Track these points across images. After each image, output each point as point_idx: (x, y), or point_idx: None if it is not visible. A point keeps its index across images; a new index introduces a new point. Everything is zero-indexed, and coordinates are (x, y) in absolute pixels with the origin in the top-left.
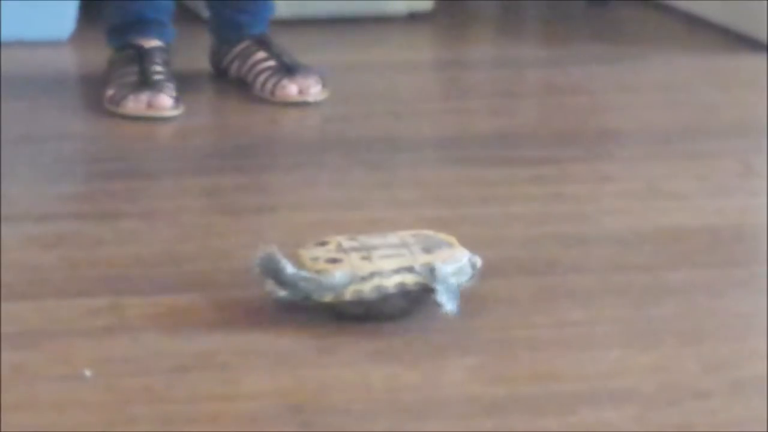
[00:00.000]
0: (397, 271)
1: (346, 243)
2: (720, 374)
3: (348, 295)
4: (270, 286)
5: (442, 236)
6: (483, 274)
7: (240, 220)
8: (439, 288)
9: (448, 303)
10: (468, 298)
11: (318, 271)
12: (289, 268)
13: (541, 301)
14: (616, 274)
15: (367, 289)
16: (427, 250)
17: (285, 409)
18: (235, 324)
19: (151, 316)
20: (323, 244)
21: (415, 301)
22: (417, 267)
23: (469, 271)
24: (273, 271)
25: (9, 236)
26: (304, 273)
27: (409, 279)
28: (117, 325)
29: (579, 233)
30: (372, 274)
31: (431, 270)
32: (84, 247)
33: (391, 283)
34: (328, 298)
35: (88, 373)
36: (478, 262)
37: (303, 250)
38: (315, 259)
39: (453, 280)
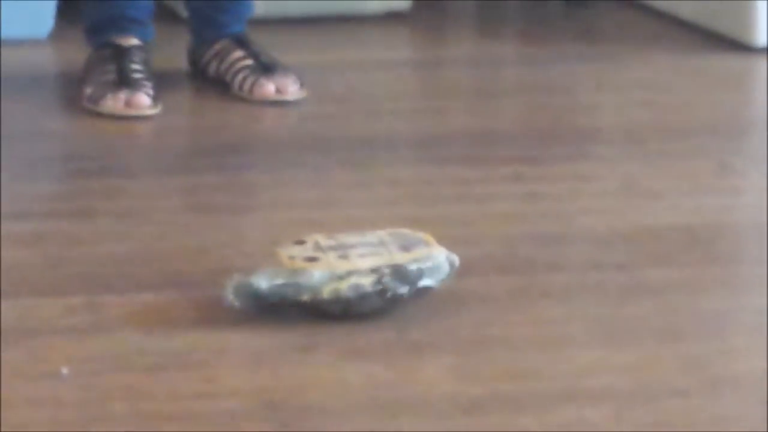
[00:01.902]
0: (374, 269)
1: (324, 242)
2: (697, 372)
3: (325, 293)
4: (248, 306)
5: (420, 234)
6: (460, 273)
7: (218, 219)
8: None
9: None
10: (445, 296)
11: (295, 270)
12: (263, 284)
13: (519, 300)
14: (594, 272)
15: (344, 287)
16: (405, 248)
17: (263, 407)
18: (213, 322)
19: (128, 314)
20: (301, 242)
21: (392, 300)
22: (391, 266)
23: (446, 269)
24: (250, 296)
25: None
26: (279, 280)
27: (387, 278)
28: (94, 323)
29: (556, 232)
30: (349, 273)
31: (402, 271)
32: (61, 245)
33: (368, 281)
34: (305, 297)
35: (65, 371)
36: (456, 260)
37: (281, 248)
38: (292, 257)
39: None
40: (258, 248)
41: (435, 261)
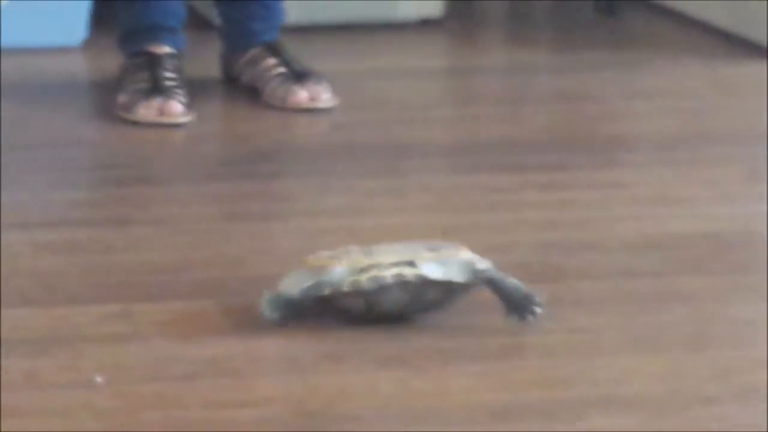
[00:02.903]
0: (396, 263)
1: (356, 253)
2: (728, 380)
3: (346, 286)
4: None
5: (454, 244)
6: None
7: (251, 227)
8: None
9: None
10: (477, 304)
11: (318, 268)
12: (294, 291)
13: (551, 308)
14: (625, 280)
15: (364, 279)
16: (432, 249)
17: (296, 415)
18: (246, 330)
19: (162, 322)
20: (333, 252)
21: (417, 294)
22: (417, 261)
23: (474, 267)
24: (285, 306)
25: (21, 243)
26: (306, 283)
27: (408, 271)
28: (128, 331)
29: (588, 240)
30: (370, 266)
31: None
32: (95, 253)
33: (388, 273)
34: (327, 291)
35: (99, 379)
36: (486, 264)
37: (312, 256)
38: (317, 257)
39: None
40: (291, 256)
41: (461, 258)
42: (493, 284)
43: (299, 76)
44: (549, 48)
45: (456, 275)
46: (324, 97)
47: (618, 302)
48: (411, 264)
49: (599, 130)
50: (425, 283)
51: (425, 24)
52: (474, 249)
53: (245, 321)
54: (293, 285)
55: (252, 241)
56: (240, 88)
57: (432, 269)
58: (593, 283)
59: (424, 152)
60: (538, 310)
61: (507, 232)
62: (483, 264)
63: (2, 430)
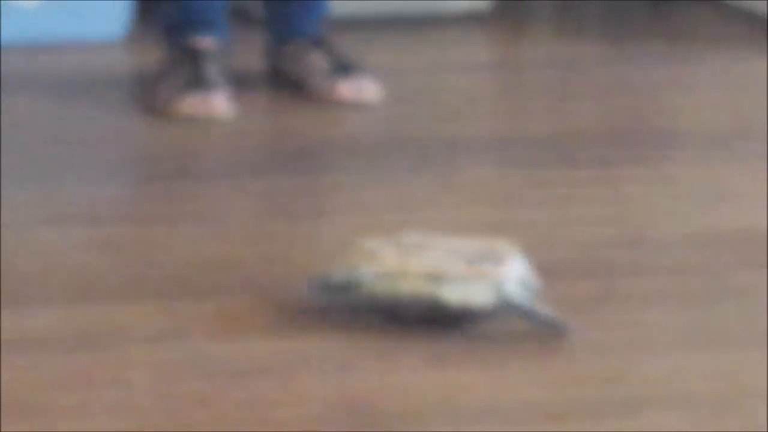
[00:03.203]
0: (420, 275)
1: (412, 239)
2: None
3: (362, 294)
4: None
5: (505, 248)
6: (543, 277)
7: (295, 224)
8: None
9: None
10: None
11: (353, 263)
12: (332, 279)
13: (602, 305)
14: (678, 276)
15: (380, 290)
16: (472, 261)
17: (342, 413)
18: (290, 328)
19: (205, 320)
20: (392, 237)
21: (434, 310)
22: (443, 276)
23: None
24: (322, 290)
25: (63, 239)
26: (339, 277)
27: (426, 289)
28: (170, 329)
29: (638, 235)
30: (395, 274)
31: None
32: (137, 250)
33: (407, 287)
34: (352, 292)
35: (141, 377)
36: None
37: (366, 239)
38: (358, 249)
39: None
40: (335, 252)
41: (495, 278)
42: (518, 312)
43: (344, 69)
44: (599, 41)
45: (478, 298)
46: (369, 90)
47: (669, 298)
48: (436, 279)
49: (649, 125)
50: (439, 305)
51: (473, 19)
52: (522, 245)
53: (289, 318)
54: (335, 274)
55: (296, 238)
56: (284, 81)
57: (451, 290)
58: (644, 280)
59: (472, 147)
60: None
61: (555, 227)
62: (515, 286)
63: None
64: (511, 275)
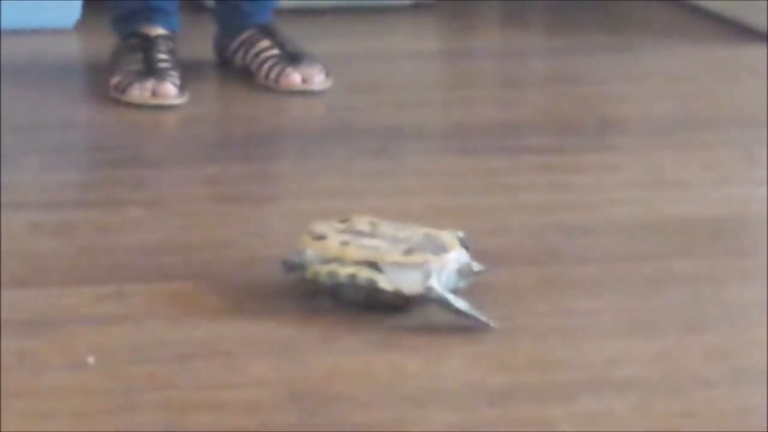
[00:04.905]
0: (358, 262)
1: (361, 225)
2: (723, 363)
3: (308, 275)
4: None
5: (449, 239)
6: (488, 263)
7: (244, 209)
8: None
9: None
10: (472, 287)
11: (301, 245)
12: (292, 257)
13: (545, 290)
14: (620, 263)
15: (324, 272)
16: (409, 250)
17: (288, 397)
18: (239, 312)
19: (155, 303)
20: (343, 221)
21: (371, 295)
22: (380, 263)
23: (451, 279)
24: (285, 267)
25: (14, 224)
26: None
27: (363, 273)
28: (121, 312)
29: (583, 223)
30: (335, 259)
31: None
32: (89, 234)
33: (344, 272)
34: (297, 273)
35: (91, 360)
36: (473, 267)
37: (320, 222)
38: (310, 232)
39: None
40: (284, 238)
41: (427, 268)
42: (439, 304)
43: (293, 58)
44: (543, 31)
45: (409, 287)
46: (318, 79)
47: (613, 285)
48: (373, 266)
49: (594, 113)
50: (375, 289)
51: (418, 7)
52: (469, 232)
53: (238, 303)
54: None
55: (245, 223)
56: (233, 70)
57: (387, 277)
58: (588, 266)
59: (418, 135)
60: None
61: (501, 214)
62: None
63: (3, 412)
64: (448, 265)
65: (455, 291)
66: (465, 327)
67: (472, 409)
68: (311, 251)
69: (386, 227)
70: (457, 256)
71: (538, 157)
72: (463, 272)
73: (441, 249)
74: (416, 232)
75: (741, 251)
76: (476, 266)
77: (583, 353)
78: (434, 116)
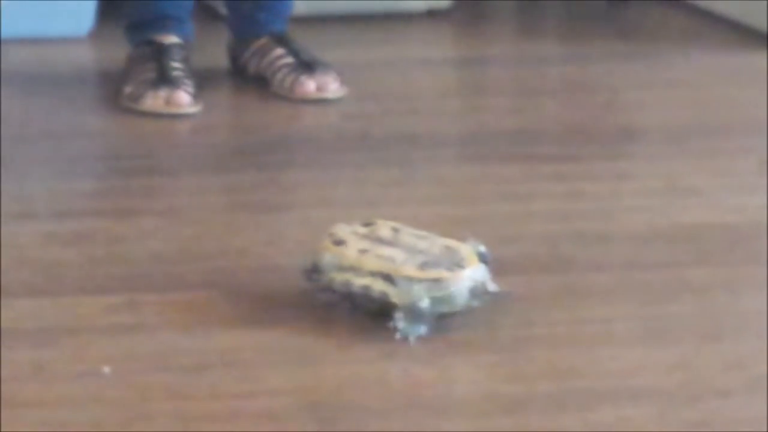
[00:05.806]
0: (373, 273)
1: (383, 231)
2: (739, 372)
3: (325, 281)
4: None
5: (468, 252)
6: (502, 272)
7: (258, 218)
8: (399, 310)
9: (404, 326)
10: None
11: (319, 250)
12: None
13: (560, 299)
14: (636, 271)
15: (338, 280)
16: (425, 264)
17: (303, 406)
18: (253, 321)
19: (169, 313)
20: (367, 225)
21: (384, 306)
22: (395, 278)
23: (463, 297)
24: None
25: (28, 233)
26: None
27: (376, 286)
28: (135, 322)
29: (598, 231)
30: (349, 268)
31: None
32: (103, 244)
33: (358, 283)
34: (315, 278)
35: (106, 369)
36: (488, 287)
37: (343, 225)
38: (332, 235)
39: (423, 305)
40: (299, 247)
41: (439, 284)
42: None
43: (307, 66)
44: (559, 39)
45: (418, 301)
46: (332, 87)
47: (628, 294)
48: (387, 278)
49: (609, 121)
50: (387, 302)
51: (432, 15)
52: (484, 240)
53: (253, 312)
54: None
55: (259, 232)
56: (247, 78)
57: (399, 291)
58: (603, 275)
59: (433, 143)
60: None
61: (516, 223)
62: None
63: (17, 422)
64: (462, 282)
65: (467, 309)
66: (481, 336)
67: (488, 418)
68: (329, 256)
69: (407, 236)
70: (472, 274)
71: (553, 165)
72: (477, 291)
73: (457, 265)
74: (435, 243)
75: (756, 259)
76: (492, 286)
77: (598, 362)
78: (449, 124)
